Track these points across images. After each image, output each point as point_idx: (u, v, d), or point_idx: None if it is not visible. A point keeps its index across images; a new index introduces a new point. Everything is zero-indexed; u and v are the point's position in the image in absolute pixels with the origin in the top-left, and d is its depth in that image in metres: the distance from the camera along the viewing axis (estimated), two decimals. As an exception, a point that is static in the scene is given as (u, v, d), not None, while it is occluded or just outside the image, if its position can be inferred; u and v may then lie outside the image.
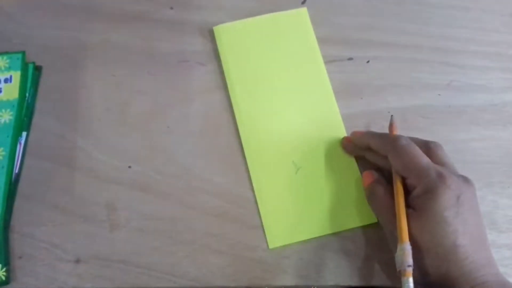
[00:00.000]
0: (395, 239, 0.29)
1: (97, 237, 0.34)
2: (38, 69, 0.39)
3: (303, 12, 0.40)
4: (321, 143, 0.36)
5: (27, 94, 0.38)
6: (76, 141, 0.37)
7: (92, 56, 0.40)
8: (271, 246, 0.33)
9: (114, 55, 0.40)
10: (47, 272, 0.33)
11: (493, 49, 0.41)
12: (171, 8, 0.42)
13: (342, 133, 0.37)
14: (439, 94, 0.39)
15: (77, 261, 0.33)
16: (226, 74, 0.39)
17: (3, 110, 0.37)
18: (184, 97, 0.38)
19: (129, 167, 0.36)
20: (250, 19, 0.40)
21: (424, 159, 0.29)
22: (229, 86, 0.38)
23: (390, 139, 0.31)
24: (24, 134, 0.37)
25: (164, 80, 0.39)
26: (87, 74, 0.39)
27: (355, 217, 0.34)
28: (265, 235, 0.34)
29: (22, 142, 0.36)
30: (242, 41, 0.39)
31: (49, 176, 0.36)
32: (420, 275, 0.28)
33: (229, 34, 0.40)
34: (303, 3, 0.42)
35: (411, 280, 0.27)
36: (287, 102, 0.38)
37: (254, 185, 0.35)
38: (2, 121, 0.36)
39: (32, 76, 0.38)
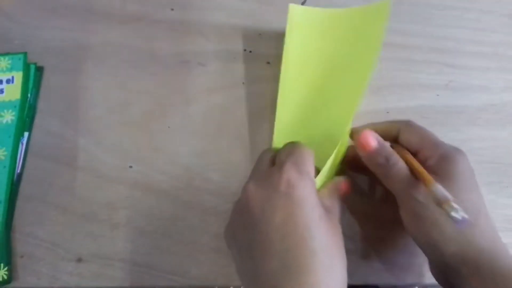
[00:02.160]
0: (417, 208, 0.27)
1: (99, 236, 0.34)
2: (39, 69, 0.39)
3: (384, 5, 0.35)
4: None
5: (29, 95, 0.38)
6: (78, 141, 0.37)
7: (94, 56, 0.40)
8: None
9: (115, 55, 0.40)
10: (49, 271, 0.33)
11: (492, 50, 0.41)
12: (172, 9, 0.42)
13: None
14: (438, 95, 0.39)
15: (79, 260, 0.33)
16: (284, 56, 0.36)
17: (5, 111, 0.37)
18: (185, 97, 0.39)
19: (130, 166, 0.36)
20: (330, 10, 0.38)
21: (436, 136, 0.29)
22: (283, 68, 0.36)
23: (401, 120, 0.31)
24: (26, 134, 0.37)
25: (165, 81, 0.39)
26: (88, 74, 0.39)
27: None
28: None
29: (24, 142, 0.37)
30: (311, 27, 0.37)
31: (50, 176, 0.36)
32: (435, 255, 0.27)
33: (302, 16, 0.37)
34: (303, 3, 0.42)
35: (456, 206, 0.24)
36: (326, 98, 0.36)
37: None
38: (4, 121, 0.37)
39: (34, 77, 0.39)
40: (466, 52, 0.41)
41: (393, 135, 0.31)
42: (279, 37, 0.40)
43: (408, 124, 0.30)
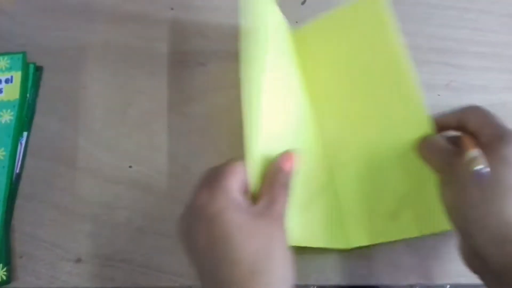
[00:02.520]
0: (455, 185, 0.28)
1: (98, 236, 0.34)
2: (38, 69, 0.39)
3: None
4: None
5: (27, 95, 0.38)
6: (77, 141, 0.37)
7: (93, 56, 0.40)
8: None
9: (114, 55, 0.40)
10: (48, 272, 0.33)
11: (492, 50, 0.41)
12: (172, 9, 0.42)
13: None
14: (439, 95, 0.39)
15: (78, 260, 0.33)
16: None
17: (4, 110, 0.37)
18: (185, 97, 0.38)
19: (130, 166, 0.36)
20: (328, 15, 0.36)
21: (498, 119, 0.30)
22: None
23: (469, 107, 0.32)
24: (25, 134, 0.37)
25: (164, 80, 0.39)
26: (87, 74, 0.39)
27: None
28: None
29: (23, 142, 0.37)
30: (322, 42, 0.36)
31: (50, 176, 0.36)
32: (456, 214, 0.27)
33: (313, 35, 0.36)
34: (303, 3, 0.42)
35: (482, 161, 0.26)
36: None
37: None
38: (3, 121, 0.36)
39: (33, 77, 0.38)
40: (466, 52, 0.41)
41: (461, 116, 0.31)
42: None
43: (472, 106, 0.31)
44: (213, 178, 0.27)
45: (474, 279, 0.32)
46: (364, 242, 0.33)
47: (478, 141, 0.29)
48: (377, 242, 0.33)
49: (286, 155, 0.28)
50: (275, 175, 0.27)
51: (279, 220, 0.26)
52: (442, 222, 0.29)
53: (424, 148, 0.31)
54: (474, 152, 0.27)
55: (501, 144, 0.28)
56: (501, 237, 0.25)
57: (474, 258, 0.28)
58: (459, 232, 0.28)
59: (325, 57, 0.36)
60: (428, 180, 0.31)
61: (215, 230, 0.24)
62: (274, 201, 0.26)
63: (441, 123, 0.32)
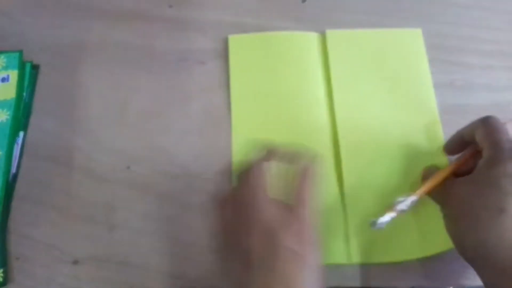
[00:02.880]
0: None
1: (95, 237, 0.34)
2: (35, 68, 0.39)
3: (417, 34, 0.40)
4: None
5: (24, 94, 0.38)
6: (74, 141, 0.36)
7: (91, 54, 0.39)
8: None
9: (112, 53, 0.39)
10: (45, 273, 0.33)
11: (497, 48, 0.41)
12: (170, 6, 0.41)
13: None
14: (442, 93, 0.38)
15: (75, 262, 0.33)
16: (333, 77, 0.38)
17: (0, 110, 0.36)
18: (184, 96, 0.38)
19: (128, 167, 0.36)
20: (361, 32, 0.40)
21: (505, 135, 0.29)
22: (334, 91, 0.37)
23: (480, 118, 0.31)
24: (21, 134, 0.37)
25: (163, 79, 0.39)
26: (85, 73, 0.39)
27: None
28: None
29: (20, 142, 0.36)
30: (350, 51, 0.39)
31: (46, 177, 0.35)
32: (457, 244, 0.28)
33: (340, 41, 0.39)
34: (303, 1, 0.42)
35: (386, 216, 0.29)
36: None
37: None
38: (-1, 120, 0.36)
39: (30, 75, 0.38)
40: (470, 50, 0.40)
41: (472, 130, 0.31)
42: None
43: (484, 120, 0.31)
44: (251, 176, 0.29)
45: (477, 281, 0.32)
46: (367, 259, 0.32)
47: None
48: (379, 261, 0.33)
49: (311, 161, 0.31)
50: (302, 181, 0.29)
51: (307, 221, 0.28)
52: (444, 242, 0.31)
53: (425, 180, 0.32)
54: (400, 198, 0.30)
55: (489, 164, 0.28)
56: (497, 264, 0.26)
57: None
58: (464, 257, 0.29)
59: (353, 61, 0.39)
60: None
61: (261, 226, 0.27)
62: (300, 205, 0.28)
63: (461, 136, 0.33)
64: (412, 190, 0.31)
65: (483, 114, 0.38)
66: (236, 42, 0.39)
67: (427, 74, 0.38)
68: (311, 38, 0.39)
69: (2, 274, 0.32)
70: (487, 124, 0.30)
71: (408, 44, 0.39)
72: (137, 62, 0.39)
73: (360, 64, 0.38)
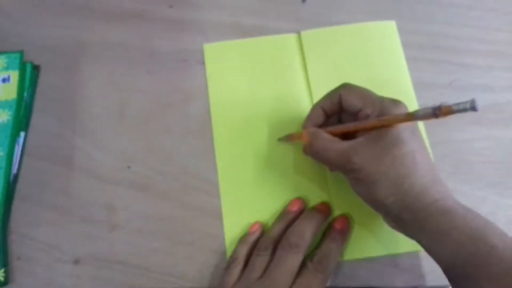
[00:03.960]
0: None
1: (96, 237, 0.34)
2: (36, 68, 0.39)
3: (391, 26, 0.40)
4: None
5: (25, 94, 0.38)
6: (75, 141, 0.36)
7: (91, 55, 0.39)
8: None
9: (112, 54, 0.39)
10: (46, 273, 0.33)
11: (496, 48, 0.40)
12: (170, 6, 0.41)
13: None
14: (441, 93, 0.38)
15: (76, 262, 0.33)
16: (310, 79, 0.38)
17: (1, 110, 0.36)
18: (184, 96, 0.38)
19: (128, 167, 0.36)
20: (336, 28, 0.40)
21: (374, 93, 0.30)
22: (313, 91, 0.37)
23: (339, 86, 0.31)
24: (22, 134, 0.37)
25: (163, 79, 0.39)
26: (85, 73, 0.39)
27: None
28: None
29: (20, 142, 0.36)
30: (326, 49, 0.39)
31: (47, 177, 0.35)
32: (378, 205, 0.28)
33: (316, 40, 0.39)
34: (303, 1, 0.42)
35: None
36: None
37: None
38: (0, 121, 0.36)
39: (30, 76, 0.38)
40: (470, 50, 0.40)
41: (337, 102, 0.31)
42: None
43: (346, 86, 0.31)
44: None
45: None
46: (349, 256, 0.33)
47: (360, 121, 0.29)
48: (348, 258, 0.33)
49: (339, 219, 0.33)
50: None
51: None
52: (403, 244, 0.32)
53: (313, 154, 0.30)
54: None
55: (393, 113, 0.28)
56: (415, 214, 0.26)
57: (391, 221, 0.29)
58: (387, 218, 0.29)
59: (329, 59, 0.39)
60: None
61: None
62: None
63: (325, 109, 0.32)
64: None
65: (482, 114, 0.38)
66: (212, 50, 0.39)
67: (404, 66, 0.38)
68: (290, 40, 0.39)
69: (3, 274, 0.32)
70: (353, 87, 0.30)
71: (383, 36, 0.39)
72: (137, 62, 0.39)
73: (337, 60, 0.38)
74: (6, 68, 0.38)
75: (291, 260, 0.29)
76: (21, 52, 0.38)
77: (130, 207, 0.35)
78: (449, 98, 0.38)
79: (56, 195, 0.35)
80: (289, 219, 0.32)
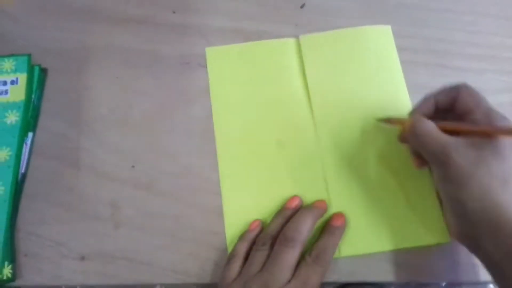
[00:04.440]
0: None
1: (102, 235, 0.34)
2: (43, 71, 0.40)
3: (386, 30, 0.41)
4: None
5: (33, 96, 0.38)
6: (81, 142, 0.37)
7: (96, 58, 0.40)
8: None
9: (118, 57, 0.40)
10: (52, 270, 0.34)
11: (489, 52, 0.41)
12: (174, 12, 0.42)
13: None
14: (436, 96, 0.39)
15: (82, 258, 0.34)
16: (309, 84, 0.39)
17: (10, 112, 0.37)
18: (186, 99, 0.39)
19: (133, 166, 0.37)
20: (333, 32, 0.41)
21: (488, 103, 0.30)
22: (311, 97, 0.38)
23: (458, 84, 0.31)
24: (30, 134, 0.37)
25: (166, 82, 0.40)
26: (91, 76, 0.40)
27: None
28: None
29: (28, 142, 0.37)
30: (325, 53, 0.40)
31: (54, 176, 0.36)
32: (456, 209, 0.28)
33: (314, 44, 0.40)
34: (302, 7, 0.42)
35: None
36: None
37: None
38: (9, 122, 0.37)
39: (38, 78, 0.39)
40: (464, 54, 0.41)
41: (452, 98, 0.31)
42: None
43: (467, 86, 0.31)
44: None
45: (471, 276, 0.33)
46: (347, 252, 0.33)
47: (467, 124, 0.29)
48: (358, 253, 0.34)
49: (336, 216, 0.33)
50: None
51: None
52: (425, 236, 0.33)
53: (414, 136, 0.30)
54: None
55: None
56: (498, 231, 0.26)
57: (471, 243, 0.29)
58: (459, 222, 0.28)
59: (327, 62, 0.39)
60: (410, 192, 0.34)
61: None
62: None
63: (438, 101, 0.32)
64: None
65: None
66: (213, 53, 0.40)
67: (399, 69, 0.39)
68: (289, 44, 0.40)
69: (10, 271, 0.33)
70: (471, 89, 0.30)
71: (378, 40, 0.40)
72: (141, 65, 0.40)
73: (335, 63, 0.39)
74: (15, 71, 0.39)
75: (289, 254, 0.30)
76: (29, 55, 0.39)
77: (134, 205, 0.35)
78: (444, 100, 0.39)
79: (62, 194, 0.36)
80: (287, 215, 0.33)
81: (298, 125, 0.37)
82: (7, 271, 0.33)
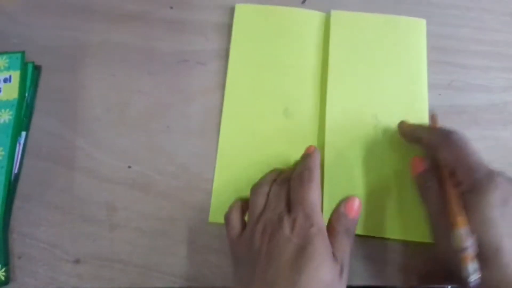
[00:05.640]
0: (442, 233, 0.28)
1: (97, 237, 0.34)
2: (37, 68, 0.39)
3: (420, 24, 0.40)
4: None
5: (26, 94, 0.38)
6: (76, 141, 0.37)
7: (92, 55, 0.40)
8: None
9: (113, 55, 0.40)
10: (47, 272, 0.33)
11: (494, 49, 0.41)
12: (171, 7, 0.42)
13: None
14: (440, 94, 0.39)
15: (77, 261, 0.33)
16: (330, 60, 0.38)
17: (3, 110, 0.37)
18: (184, 97, 0.38)
19: (129, 167, 0.36)
20: (366, 15, 0.40)
21: (476, 156, 0.28)
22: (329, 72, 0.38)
23: (442, 131, 0.30)
24: (23, 134, 0.37)
25: (164, 80, 0.39)
26: (86, 74, 0.39)
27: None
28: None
29: (22, 142, 0.36)
30: (353, 33, 0.39)
31: (48, 176, 0.36)
32: (457, 279, 0.27)
33: (344, 22, 0.40)
34: (303, 2, 0.42)
35: (470, 265, 0.25)
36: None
37: None
38: (2, 121, 0.36)
39: (32, 76, 0.38)
40: (468, 51, 0.40)
41: (433, 145, 0.31)
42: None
43: (447, 138, 0.30)
44: (308, 209, 0.28)
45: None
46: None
47: (458, 187, 0.28)
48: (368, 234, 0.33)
49: (351, 201, 0.30)
50: (338, 221, 0.29)
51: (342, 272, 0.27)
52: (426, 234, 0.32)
53: (421, 192, 0.31)
54: (462, 230, 0.26)
55: (478, 196, 0.27)
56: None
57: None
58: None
59: (356, 43, 0.39)
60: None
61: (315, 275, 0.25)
62: (335, 250, 0.27)
63: (412, 134, 0.33)
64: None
65: (481, 114, 0.38)
66: (242, 11, 0.40)
67: (423, 66, 0.38)
68: (318, 17, 0.40)
69: (4, 273, 0.32)
70: (452, 143, 0.29)
71: (410, 33, 0.40)
72: (138, 63, 0.39)
73: (360, 47, 0.39)
74: (8, 68, 0.38)
75: (309, 189, 0.28)
76: (23, 53, 0.39)
77: (130, 207, 0.35)
78: (448, 99, 0.39)
79: (57, 195, 0.35)
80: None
81: (309, 99, 0.37)
82: (0, 273, 0.32)
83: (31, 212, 0.35)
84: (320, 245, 0.26)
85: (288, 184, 0.30)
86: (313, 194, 0.28)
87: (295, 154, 0.34)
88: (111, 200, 0.35)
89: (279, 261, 0.25)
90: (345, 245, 0.28)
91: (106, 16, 0.41)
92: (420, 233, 0.33)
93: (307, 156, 0.31)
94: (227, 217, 0.31)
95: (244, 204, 0.31)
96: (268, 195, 0.30)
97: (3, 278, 0.32)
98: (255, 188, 0.31)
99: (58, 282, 0.33)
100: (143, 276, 0.33)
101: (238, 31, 0.39)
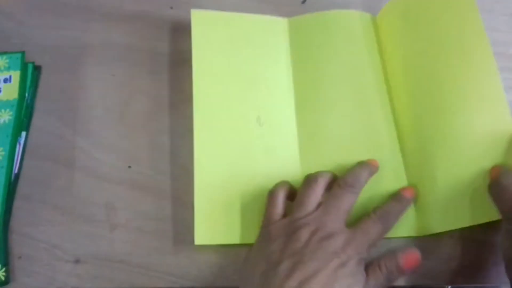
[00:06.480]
0: None
1: (97, 237, 0.34)
2: (37, 69, 0.39)
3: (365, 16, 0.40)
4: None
5: (26, 94, 0.38)
6: (76, 141, 0.37)
7: (92, 56, 0.40)
8: None
9: (113, 55, 0.40)
10: (47, 272, 0.33)
11: (494, 49, 0.40)
12: (171, 7, 0.42)
13: None
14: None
15: (77, 261, 0.33)
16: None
17: (3, 110, 0.37)
18: (184, 97, 0.38)
19: (129, 167, 0.36)
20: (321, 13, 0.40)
21: None
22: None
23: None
24: (23, 134, 0.37)
25: (164, 80, 0.39)
26: (86, 74, 0.39)
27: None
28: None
29: (22, 142, 0.36)
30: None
31: (48, 176, 0.36)
32: None
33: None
34: (303, 2, 0.42)
35: None
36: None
37: None
38: (2, 121, 0.36)
39: (32, 76, 0.38)
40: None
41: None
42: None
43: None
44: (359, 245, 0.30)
45: (475, 281, 0.32)
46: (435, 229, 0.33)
47: None
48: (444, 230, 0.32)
49: (411, 254, 0.31)
50: (387, 265, 0.30)
51: None
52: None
53: (497, 186, 0.29)
54: None
55: None
56: None
57: None
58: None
59: (313, 45, 0.39)
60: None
61: None
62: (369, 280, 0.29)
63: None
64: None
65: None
66: (200, 17, 0.38)
67: (376, 62, 0.38)
68: (280, 23, 0.40)
69: (4, 273, 0.32)
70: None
71: (358, 25, 0.39)
72: (138, 63, 0.39)
73: (320, 47, 0.38)
74: (8, 68, 0.38)
75: (348, 198, 0.31)
76: (23, 53, 0.39)
77: (130, 207, 0.35)
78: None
79: (57, 195, 0.35)
80: None
81: (279, 105, 0.37)
82: (0, 274, 0.32)
83: (31, 212, 0.35)
84: (358, 271, 0.28)
85: (349, 199, 0.31)
86: (349, 201, 0.31)
87: (274, 163, 0.35)
88: (111, 200, 0.35)
89: (323, 261, 0.27)
90: (379, 285, 0.29)
91: (107, 16, 0.41)
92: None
93: (357, 166, 0.33)
94: (272, 193, 0.32)
95: (291, 188, 0.33)
96: (322, 196, 0.31)
97: (3, 278, 0.32)
98: (310, 181, 0.32)
99: (58, 282, 0.33)
100: (143, 276, 0.33)
101: (198, 40, 0.37)
